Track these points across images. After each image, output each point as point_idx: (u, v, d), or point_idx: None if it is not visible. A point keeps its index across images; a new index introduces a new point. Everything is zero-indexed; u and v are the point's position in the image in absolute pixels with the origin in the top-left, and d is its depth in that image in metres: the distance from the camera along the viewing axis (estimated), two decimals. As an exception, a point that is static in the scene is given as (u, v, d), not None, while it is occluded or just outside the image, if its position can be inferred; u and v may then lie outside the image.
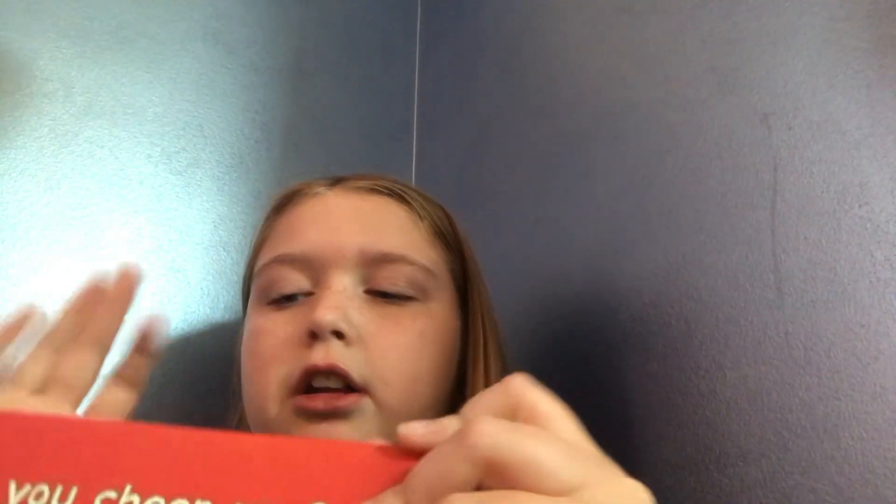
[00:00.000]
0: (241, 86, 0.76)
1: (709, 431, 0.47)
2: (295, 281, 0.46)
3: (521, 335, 0.63)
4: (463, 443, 0.22)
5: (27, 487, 0.25)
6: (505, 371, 0.50)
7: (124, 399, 0.41)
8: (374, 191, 0.50)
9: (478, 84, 0.83)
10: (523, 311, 0.65)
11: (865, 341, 0.40)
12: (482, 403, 0.26)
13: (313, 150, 0.81)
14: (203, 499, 0.25)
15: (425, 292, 0.46)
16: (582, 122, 0.65)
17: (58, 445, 0.26)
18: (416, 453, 0.25)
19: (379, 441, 0.26)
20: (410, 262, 0.46)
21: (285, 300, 0.46)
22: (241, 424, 0.51)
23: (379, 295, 0.45)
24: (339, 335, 0.42)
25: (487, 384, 0.47)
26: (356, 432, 0.41)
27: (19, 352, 0.40)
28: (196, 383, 0.64)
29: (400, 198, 0.50)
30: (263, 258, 0.49)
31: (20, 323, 0.41)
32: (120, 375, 0.42)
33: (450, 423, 0.25)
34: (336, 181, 0.51)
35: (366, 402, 0.42)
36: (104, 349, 0.41)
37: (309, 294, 0.46)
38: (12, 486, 0.25)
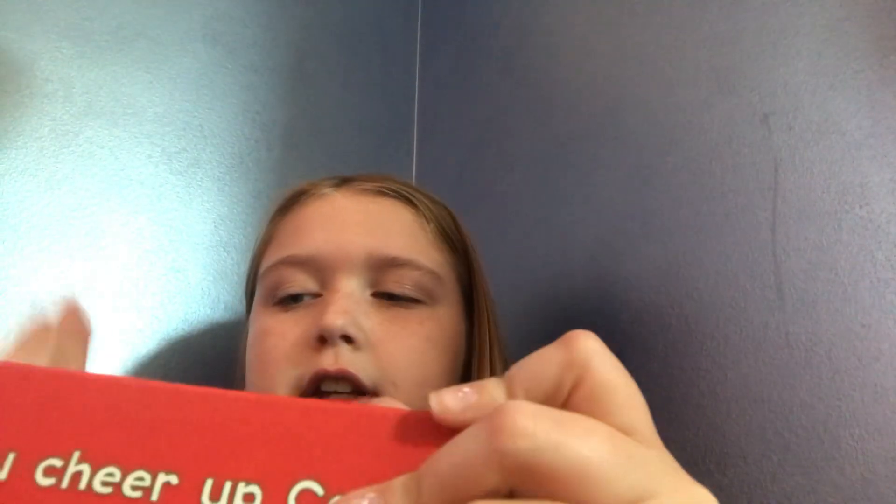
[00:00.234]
0: (241, 86, 0.76)
1: (709, 432, 0.47)
2: (302, 282, 0.46)
3: (521, 335, 0.63)
4: (493, 442, 0.18)
5: None
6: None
7: None
8: (380, 193, 0.50)
9: (478, 84, 0.83)
10: (524, 311, 0.65)
11: (866, 341, 0.40)
12: (534, 370, 0.21)
13: (313, 150, 0.81)
14: (167, 471, 0.20)
15: (432, 296, 0.46)
16: (582, 123, 0.65)
17: None
18: (438, 425, 0.20)
19: (390, 403, 0.22)
20: (417, 267, 0.46)
21: (292, 300, 0.46)
22: None
23: (386, 298, 0.45)
24: (348, 340, 0.42)
25: None
26: None
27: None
28: (197, 383, 0.64)
29: (406, 200, 0.50)
30: (270, 259, 0.49)
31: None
32: None
33: (491, 393, 0.20)
34: (342, 182, 0.51)
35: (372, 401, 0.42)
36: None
37: (316, 295, 0.46)
38: None
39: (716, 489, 0.46)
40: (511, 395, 0.20)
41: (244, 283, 0.56)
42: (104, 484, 0.20)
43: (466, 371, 0.49)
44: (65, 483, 0.20)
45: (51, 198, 0.61)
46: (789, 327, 0.44)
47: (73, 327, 0.39)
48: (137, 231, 0.65)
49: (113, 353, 0.61)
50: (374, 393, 0.42)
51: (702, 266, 0.50)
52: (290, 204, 0.51)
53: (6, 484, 0.20)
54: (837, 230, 0.43)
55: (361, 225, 0.47)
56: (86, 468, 0.20)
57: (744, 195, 0.48)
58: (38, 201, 0.61)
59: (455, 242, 0.51)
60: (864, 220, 0.41)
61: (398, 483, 0.19)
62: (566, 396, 0.20)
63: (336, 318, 0.42)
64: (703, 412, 0.48)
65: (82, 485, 0.20)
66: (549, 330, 0.63)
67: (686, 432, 0.48)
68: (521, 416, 0.18)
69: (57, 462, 0.20)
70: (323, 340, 0.42)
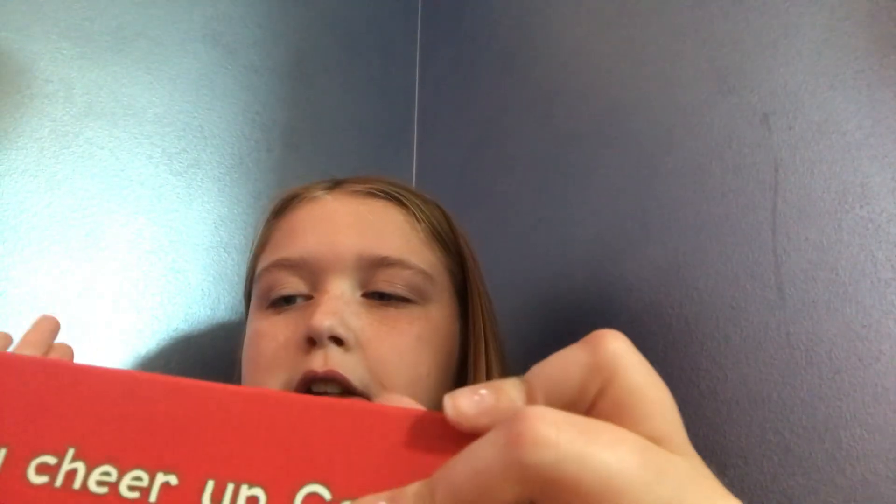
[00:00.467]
0: (241, 87, 0.76)
1: (710, 432, 0.47)
2: (293, 285, 0.46)
3: (521, 335, 0.63)
4: (513, 453, 0.16)
5: None
6: (505, 373, 0.50)
7: None
8: (371, 194, 0.50)
9: (478, 84, 0.83)
10: (524, 312, 0.65)
11: (867, 342, 0.40)
12: (556, 372, 0.19)
13: (313, 150, 0.80)
14: (167, 471, 0.19)
15: (423, 296, 0.46)
16: (582, 123, 0.65)
17: None
18: (452, 426, 0.19)
19: (402, 401, 0.21)
20: (408, 266, 0.46)
21: (284, 303, 0.46)
22: None
23: (377, 299, 0.45)
24: (337, 341, 0.42)
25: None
26: None
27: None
28: (197, 384, 0.64)
29: (397, 201, 0.50)
30: (263, 262, 0.49)
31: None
32: None
33: (510, 396, 0.19)
34: (334, 185, 0.52)
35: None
36: None
37: (308, 298, 0.46)
38: None
39: (716, 489, 0.46)
40: (530, 399, 0.19)
41: (244, 285, 0.56)
42: (100, 483, 0.19)
43: (462, 370, 0.49)
44: (58, 482, 0.19)
45: (51, 198, 0.61)
46: (790, 327, 0.44)
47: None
48: (137, 232, 0.65)
49: (113, 354, 0.61)
50: (364, 395, 0.42)
51: (702, 266, 0.50)
52: (283, 207, 0.52)
53: None
54: (838, 230, 0.43)
55: (352, 226, 0.47)
56: (80, 466, 0.19)
57: (744, 195, 0.48)
58: (38, 202, 0.61)
59: (448, 242, 0.51)
60: (864, 220, 0.41)
61: (410, 491, 0.18)
62: (591, 402, 0.19)
63: (324, 319, 0.42)
64: (703, 412, 0.47)
65: (77, 484, 0.19)
66: (548, 330, 0.63)
67: (686, 433, 0.48)
68: (543, 424, 0.16)
69: (50, 459, 0.19)
70: (312, 342, 0.42)
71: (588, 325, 0.62)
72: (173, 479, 0.19)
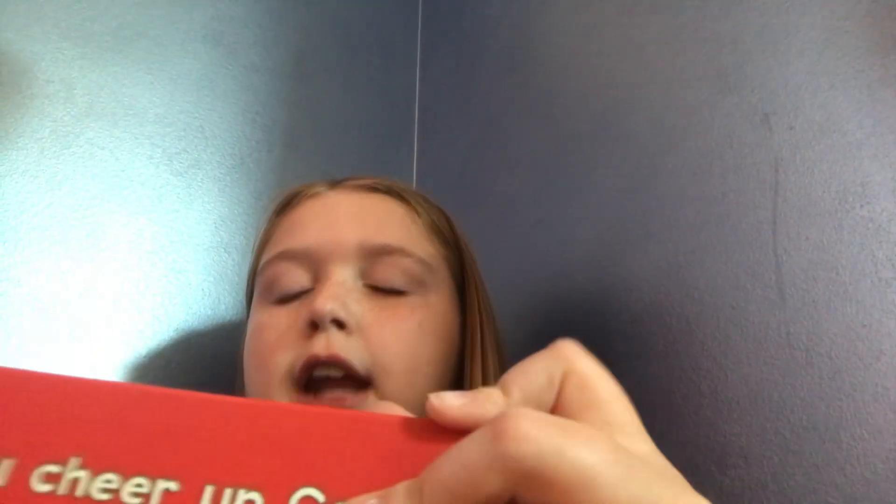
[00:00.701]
0: (241, 87, 0.76)
1: (710, 432, 0.47)
2: (296, 276, 0.46)
3: (521, 335, 0.63)
4: (497, 447, 0.18)
5: None
6: (503, 367, 0.50)
7: None
8: (373, 189, 0.51)
9: (478, 84, 0.83)
10: (524, 312, 0.65)
11: (867, 341, 0.40)
12: (525, 369, 0.22)
13: (314, 150, 0.81)
14: (167, 478, 0.20)
15: (423, 285, 0.47)
16: (582, 123, 0.65)
17: None
18: (439, 431, 0.20)
19: (392, 409, 0.22)
20: (408, 255, 0.47)
21: (287, 296, 0.47)
22: None
23: (378, 288, 0.46)
24: (339, 325, 0.43)
25: (485, 379, 0.47)
26: None
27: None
28: (198, 385, 0.64)
29: (398, 196, 0.51)
30: (266, 256, 0.49)
31: None
32: None
33: (491, 399, 0.21)
34: (336, 183, 0.52)
35: (370, 399, 0.42)
36: None
37: (311, 290, 0.46)
38: None
39: (716, 489, 0.46)
40: (507, 394, 0.21)
41: (245, 285, 0.56)
42: (103, 490, 0.20)
43: (461, 367, 0.49)
44: (62, 489, 0.20)
45: (51, 198, 0.61)
46: (790, 327, 0.44)
47: None
48: (138, 232, 0.65)
49: (113, 354, 0.61)
50: (367, 378, 0.42)
51: (702, 266, 0.50)
52: (285, 205, 0.52)
53: (3, 490, 0.20)
54: (838, 230, 0.43)
55: (354, 217, 0.48)
56: (84, 474, 0.20)
57: (744, 195, 0.48)
58: (38, 202, 0.61)
59: (447, 237, 0.52)
60: (864, 220, 0.41)
61: (400, 488, 0.19)
62: (558, 390, 0.22)
63: (326, 302, 0.42)
64: (704, 412, 0.47)
65: (80, 491, 0.20)
66: (548, 329, 0.63)
67: (686, 432, 0.48)
68: (525, 421, 0.18)
69: (54, 468, 0.20)
70: (315, 327, 0.43)
71: (588, 325, 0.62)
72: (173, 486, 0.20)
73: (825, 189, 0.44)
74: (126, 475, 0.20)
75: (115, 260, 0.63)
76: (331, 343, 0.42)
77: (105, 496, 0.20)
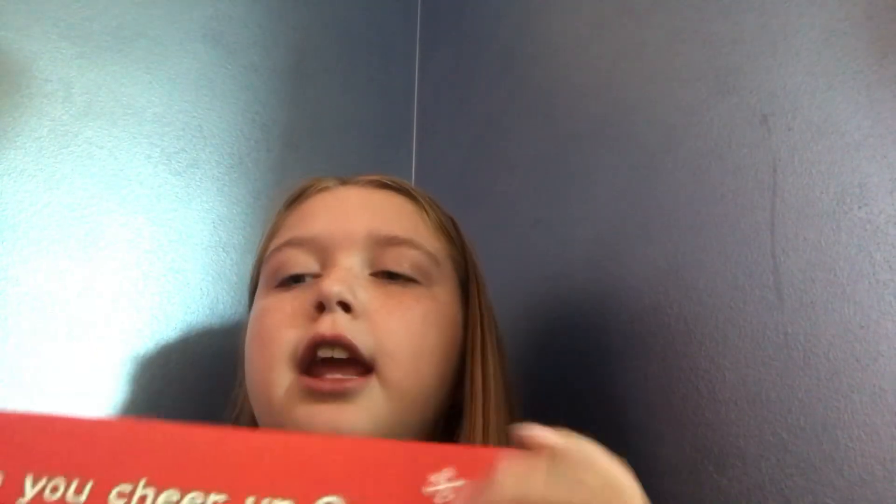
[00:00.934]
0: (240, 86, 0.76)
1: (708, 432, 0.47)
2: (304, 262, 0.47)
3: (521, 335, 0.63)
4: None
5: (43, 481, 0.26)
6: (503, 365, 0.50)
7: None
8: (383, 185, 0.52)
9: (478, 84, 0.83)
10: (523, 312, 0.65)
11: (865, 342, 0.40)
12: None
13: (313, 150, 0.81)
14: (218, 492, 0.26)
15: (429, 277, 0.48)
16: (582, 123, 0.65)
17: (74, 443, 0.27)
18: (429, 451, 0.26)
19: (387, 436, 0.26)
20: (416, 246, 0.47)
21: (293, 281, 0.47)
22: (241, 419, 0.51)
23: (384, 277, 0.46)
24: (345, 308, 0.43)
25: (485, 377, 0.48)
26: (363, 413, 0.41)
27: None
28: (196, 384, 0.64)
29: (408, 194, 0.52)
30: (273, 245, 0.50)
31: None
32: None
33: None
34: (346, 179, 0.53)
35: (372, 383, 0.42)
36: None
37: (317, 276, 0.46)
38: (28, 480, 0.26)
39: (714, 490, 0.46)
40: None
41: (244, 283, 0.56)
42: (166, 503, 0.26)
43: (461, 362, 0.49)
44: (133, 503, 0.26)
45: (50, 198, 0.61)
46: (788, 328, 0.44)
47: None
48: (136, 231, 0.65)
49: (111, 353, 0.61)
50: (371, 363, 0.42)
51: (701, 266, 0.50)
52: (294, 198, 0.53)
53: None
54: (836, 231, 0.42)
55: (363, 209, 0.49)
56: (150, 492, 0.26)
57: (743, 195, 0.48)
58: (37, 201, 0.61)
59: (453, 236, 0.52)
60: (862, 221, 0.41)
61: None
62: None
63: (333, 284, 0.43)
64: (702, 412, 0.47)
65: None
66: (548, 330, 0.63)
67: (684, 432, 0.48)
68: None
69: (127, 487, 0.26)
70: (321, 308, 0.43)
71: (587, 325, 0.62)
72: (222, 498, 0.26)
73: (823, 190, 0.44)
74: (185, 491, 0.26)
75: (113, 259, 0.63)
76: (336, 324, 0.42)
77: None
